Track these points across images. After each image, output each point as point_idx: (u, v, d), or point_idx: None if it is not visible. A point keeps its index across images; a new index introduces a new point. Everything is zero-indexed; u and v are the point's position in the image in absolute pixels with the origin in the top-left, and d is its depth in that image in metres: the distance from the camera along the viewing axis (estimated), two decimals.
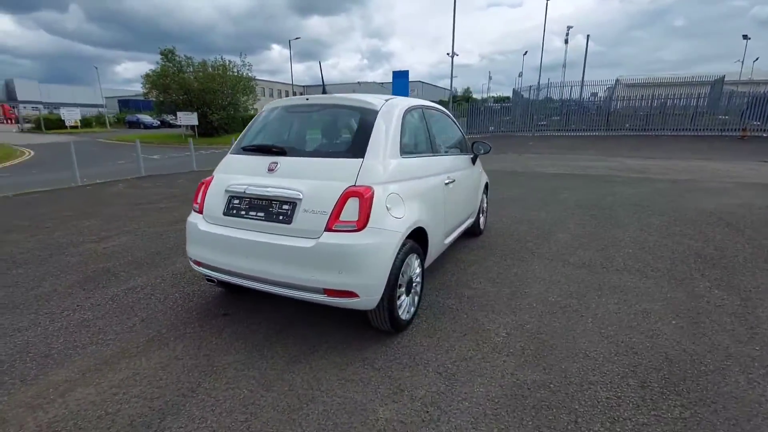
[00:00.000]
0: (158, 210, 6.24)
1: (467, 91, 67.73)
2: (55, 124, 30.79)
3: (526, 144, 18.95)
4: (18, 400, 1.99)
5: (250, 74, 26.39)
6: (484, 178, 4.65)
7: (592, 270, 3.72)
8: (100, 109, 43.90)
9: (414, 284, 2.68)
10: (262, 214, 2.40)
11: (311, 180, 2.38)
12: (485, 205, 4.83)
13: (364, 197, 2.23)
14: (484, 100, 36.67)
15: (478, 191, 4.34)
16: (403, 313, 2.55)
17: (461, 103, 33.36)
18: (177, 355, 2.36)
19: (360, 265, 2.21)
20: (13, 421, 1.84)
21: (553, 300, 3.10)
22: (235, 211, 2.51)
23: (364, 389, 2.05)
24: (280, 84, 60.96)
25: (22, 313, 2.88)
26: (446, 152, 3.59)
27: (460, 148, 3.99)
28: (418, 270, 2.71)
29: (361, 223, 2.20)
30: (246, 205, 2.48)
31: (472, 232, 4.60)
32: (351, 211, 2.21)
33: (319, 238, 2.22)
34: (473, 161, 4.12)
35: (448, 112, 3.93)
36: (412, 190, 2.62)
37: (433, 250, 3.00)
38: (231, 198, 2.54)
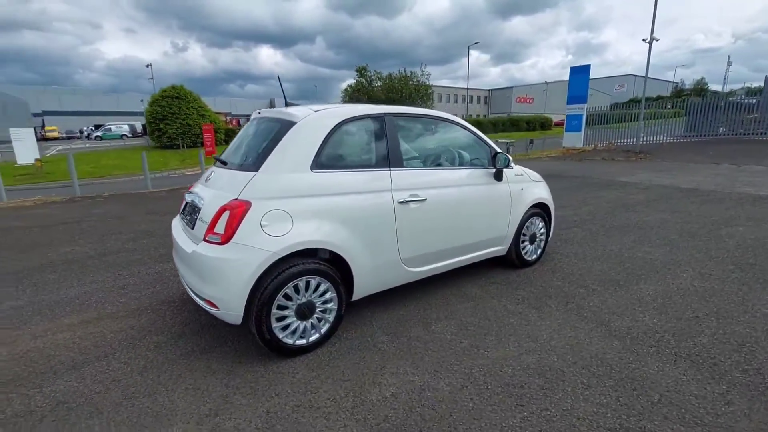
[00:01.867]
0: None
1: (699, 82, 52.33)
2: None
3: (763, 152, 13.42)
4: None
5: (427, 82, 27.92)
6: (531, 196, 3.70)
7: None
8: None
9: (317, 310, 2.48)
10: (188, 218, 2.70)
11: (216, 190, 2.53)
12: (537, 230, 3.85)
13: (233, 211, 2.24)
14: (730, 93, 27.51)
15: (507, 212, 3.50)
16: (289, 337, 2.40)
17: (686, 98, 25.90)
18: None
19: (216, 278, 2.24)
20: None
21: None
22: (182, 213, 2.90)
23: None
24: (458, 89, 61.54)
25: None
26: (426, 166, 3.10)
27: (465, 160, 3.35)
28: (328, 295, 2.49)
29: (225, 237, 2.22)
30: (185, 209, 2.84)
31: (508, 261, 3.76)
32: (222, 223, 2.25)
33: (197, 246, 2.36)
34: (497, 176, 3.36)
35: (452, 120, 3.33)
36: (319, 207, 2.42)
37: (369, 276, 2.67)
38: (185, 202, 2.94)
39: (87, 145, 34.45)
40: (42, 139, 45.57)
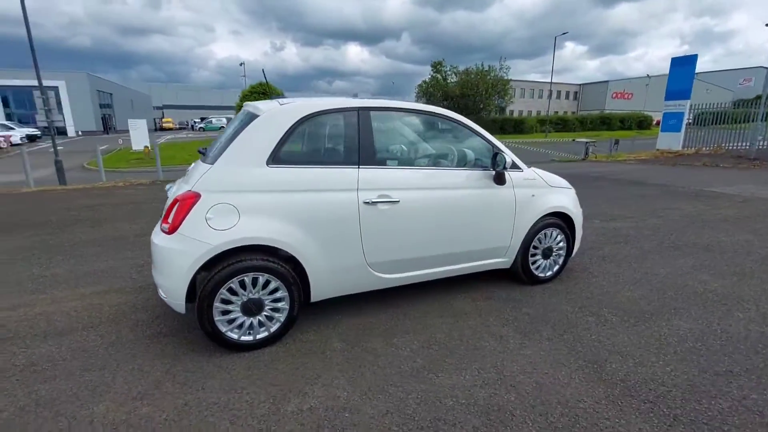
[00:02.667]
0: None
1: None
2: None
3: None
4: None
5: (506, 77, 26.38)
6: (546, 205, 3.21)
7: None
8: None
9: (265, 308, 2.42)
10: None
11: (183, 183, 2.59)
12: (554, 243, 3.34)
13: (182, 203, 2.26)
14: None
15: (510, 220, 3.08)
16: (234, 332, 2.38)
17: None
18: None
19: (162, 266, 2.29)
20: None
21: None
22: None
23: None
24: (542, 83, 56.72)
25: None
26: (408, 165, 2.85)
27: (459, 160, 3.01)
28: (279, 294, 2.42)
29: (172, 228, 2.26)
30: None
31: (515, 275, 3.34)
32: (173, 214, 2.29)
33: (154, 235, 2.44)
34: (498, 180, 2.97)
35: (445, 114, 3.02)
36: (271, 203, 2.35)
37: (328, 278, 2.54)
38: None
39: (189, 135, 38.95)
40: (159, 129, 52.94)
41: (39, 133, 30.22)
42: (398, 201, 2.64)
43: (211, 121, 46.85)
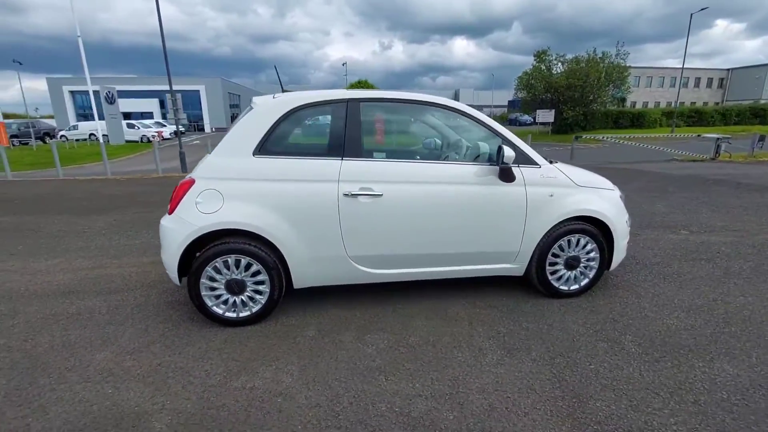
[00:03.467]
0: None
1: None
2: None
3: None
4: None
5: (624, 63, 23.01)
6: (568, 207, 2.78)
7: None
8: (492, 110, 52.17)
9: (248, 289, 2.58)
10: None
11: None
12: (582, 253, 2.88)
13: (181, 187, 2.54)
14: None
15: (520, 222, 2.75)
16: (220, 307, 2.60)
17: None
18: None
19: (162, 242, 2.60)
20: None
21: None
22: None
23: None
24: (674, 69, 47.27)
25: None
26: (400, 157, 2.72)
27: (459, 153, 2.77)
28: (260, 277, 2.56)
29: (171, 209, 2.55)
30: None
31: (527, 282, 2.98)
32: (174, 197, 2.59)
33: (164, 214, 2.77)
34: (504, 176, 2.67)
35: (447, 105, 2.81)
36: (253, 191, 2.49)
37: (309, 266, 2.60)
38: None
39: None
40: None
41: (183, 129, 36.37)
42: (381, 194, 2.57)
43: (317, 119, 50.63)
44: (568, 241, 2.86)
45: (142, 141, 28.89)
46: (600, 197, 2.91)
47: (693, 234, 4.54)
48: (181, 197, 2.51)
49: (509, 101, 66.76)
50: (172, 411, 1.88)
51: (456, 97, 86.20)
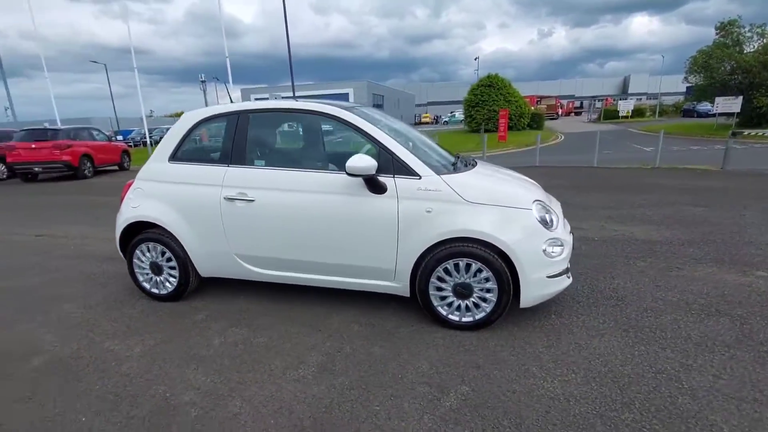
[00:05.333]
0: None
1: None
2: (612, 114, 34.37)
3: None
4: None
5: None
6: (449, 226, 2.41)
7: None
8: (661, 99, 42.16)
9: (164, 271, 3.11)
10: None
11: None
12: (474, 281, 2.46)
13: (126, 185, 3.22)
14: None
15: (392, 238, 2.52)
16: (146, 282, 3.20)
17: None
18: None
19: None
20: None
21: None
22: None
23: None
24: None
25: None
26: (280, 165, 2.81)
27: (337, 162, 2.67)
28: (173, 263, 3.06)
29: (121, 202, 3.24)
30: None
31: (419, 303, 2.70)
32: (122, 192, 3.27)
33: None
34: (372, 187, 2.50)
35: (333, 114, 2.74)
36: (164, 191, 2.99)
37: (204, 259, 2.98)
38: None
39: (430, 129, 43.18)
40: (417, 123, 61.24)
41: (330, 128, 41.28)
42: (254, 200, 2.73)
43: (454, 115, 50.41)
44: (456, 265, 2.47)
45: None
46: (499, 217, 2.41)
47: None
48: (125, 193, 3.19)
49: (687, 87, 52.94)
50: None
51: (626, 85, 73.20)
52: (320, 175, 2.67)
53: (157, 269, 3.14)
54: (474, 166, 2.93)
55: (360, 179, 2.51)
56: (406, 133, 3.52)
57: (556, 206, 2.78)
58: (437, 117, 59.68)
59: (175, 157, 3.03)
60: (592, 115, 40.69)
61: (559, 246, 2.47)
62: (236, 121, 2.88)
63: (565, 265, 2.53)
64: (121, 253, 3.29)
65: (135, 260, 3.17)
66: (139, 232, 3.12)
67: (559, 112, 49.64)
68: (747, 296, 2.90)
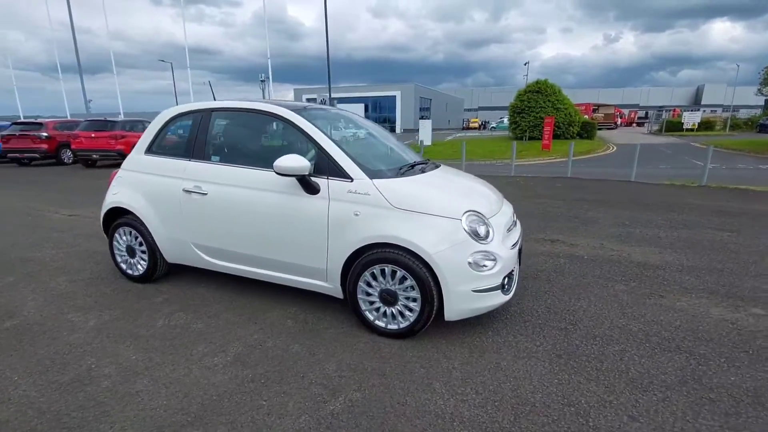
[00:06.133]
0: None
1: None
2: (676, 126, 31.50)
3: None
4: None
5: None
6: (375, 231, 2.40)
7: None
8: (736, 112, 37.63)
9: (137, 254, 3.36)
10: None
11: None
12: (399, 289, 2.43)
13: (112, 174, 3.51)
14: None
15: (322, 239, 2.55)
16: (124, 263, 3.48)
17: None
18: None
19: None
20: None
21: None
22: None
23: None
24: None
25: None
26: (234, 162, 2.93)
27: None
28: (144, 248, 3.30)
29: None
30: None
31: (347, 303, 2.70)
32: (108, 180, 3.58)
33: None
34: (306, 187, 2.55)
35: (277, 113, 2.83)
36: (138, 180, 3.24)
37: (167, 245, 3.19)
38: None
39: (474, 134, 42.07)
40: (465, 128, 60.19)
41: None
42: (206, 194, 2.88)
43: (503, 121, 48.96)
44: (383, 271, 2.45)
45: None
46: (423, 224, 2.35)
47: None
48: (110, 181, 3.49)
49: (765, 101, 46.69)
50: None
51: (699, 95, 66.83)
52: (264, 173, 2.75)
53: (131, 252, 3.41)
54: (429, 171, 2.91)
55: (295, 179, 2.57)
56: (379, 136, 3.55)
57: (500, 218, 2.65)
58: (485, 122, 58.23)
59: (150, 150, 3.27)
60: (652, 127, 37.63)
61: (491, 260, 2.37)
62: (200, 118, 3.06)
63: (498, 280, 2.41)
64: (105, 235, 3.61)
65: (114, 242, 3.46)
66: (119, 216, 3.40)
67: (618, 122, 46.50)
68: (723, 334, 2.59)
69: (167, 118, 3.23)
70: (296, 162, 2.44)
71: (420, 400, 1.99)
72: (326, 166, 2.57)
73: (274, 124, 2.96)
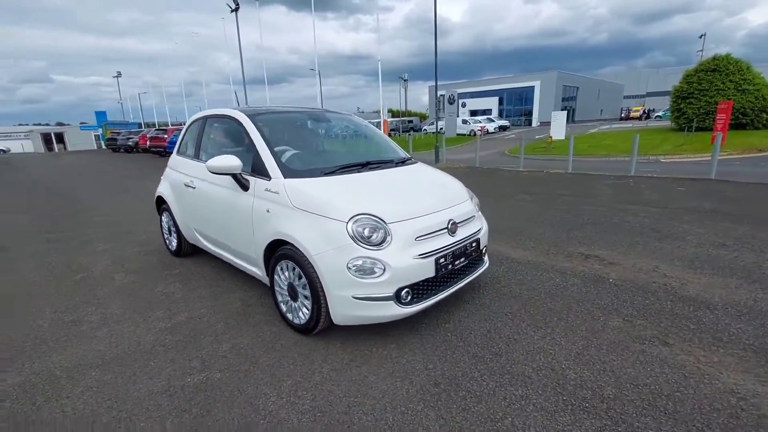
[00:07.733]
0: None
1: None
2: None
3: None
4: None
5: None
6: (275, 228, 2.54)
7: None
8: None
9: (172, 231, 4.21)
10: None
11: None
12: (298, 283, 2.54)
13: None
14: None
15: (250, 232, 2.81)
16: (167, 242, 4.37)
17: None
18: None
19: None
20: None
21: None
22: None
23: None
24: None
25: None
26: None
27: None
28: (173, 228, 4.13)
29: None
30: None
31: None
32: None
33: None
34: (238, 183, 2.86)
35: (235, 118, 3.16)
36: (170, 176, 4.05)
37: (183, 229, 3.92)
38: None
39: (626, 126, 34.99)
40: (624, 118, 51.16)
41: (508, 124, 39.33)
42: (195, 187, 3.45)
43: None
44: (288, 266, 2.57)
45: (470, 134, 33.77)
46: (311, 224, 2.36)
47: None
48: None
49: None
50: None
51: None
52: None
53: (169, 231, 4.29)
54: (376, 170, 2.94)
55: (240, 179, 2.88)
56: (365, 137, 3.66)
57: (421, 223, 2.44)
58: (648, 111, 48.49)
59: (178, 150, 4.05)
60: None
61: (379, 268, 2.24)
62: (201, 123, 3.66)
63: (389, 290, 2.26)
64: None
65: (162, 223, 4.41)
66: (163, 203, 4.31)
67: None
68: (722, 415, 1.86)
69: (188, 124, 3.96)
70: (225, 162, 2.74)
71: (258, 392, 2.07)
72: (258, 166, 2.80)
73: (232, 128, 3.34)
